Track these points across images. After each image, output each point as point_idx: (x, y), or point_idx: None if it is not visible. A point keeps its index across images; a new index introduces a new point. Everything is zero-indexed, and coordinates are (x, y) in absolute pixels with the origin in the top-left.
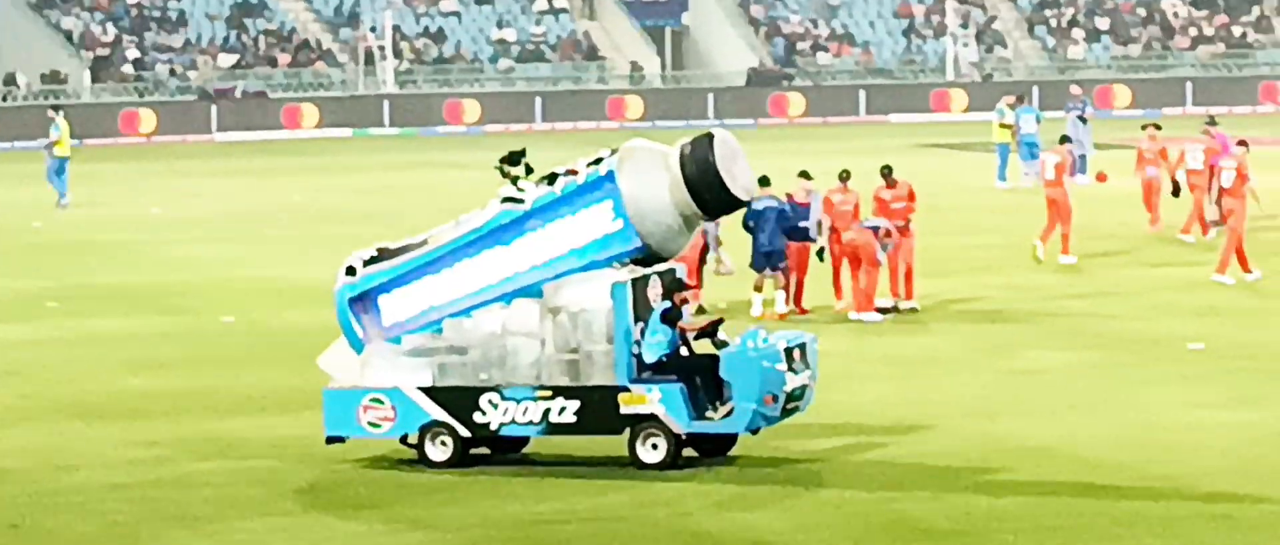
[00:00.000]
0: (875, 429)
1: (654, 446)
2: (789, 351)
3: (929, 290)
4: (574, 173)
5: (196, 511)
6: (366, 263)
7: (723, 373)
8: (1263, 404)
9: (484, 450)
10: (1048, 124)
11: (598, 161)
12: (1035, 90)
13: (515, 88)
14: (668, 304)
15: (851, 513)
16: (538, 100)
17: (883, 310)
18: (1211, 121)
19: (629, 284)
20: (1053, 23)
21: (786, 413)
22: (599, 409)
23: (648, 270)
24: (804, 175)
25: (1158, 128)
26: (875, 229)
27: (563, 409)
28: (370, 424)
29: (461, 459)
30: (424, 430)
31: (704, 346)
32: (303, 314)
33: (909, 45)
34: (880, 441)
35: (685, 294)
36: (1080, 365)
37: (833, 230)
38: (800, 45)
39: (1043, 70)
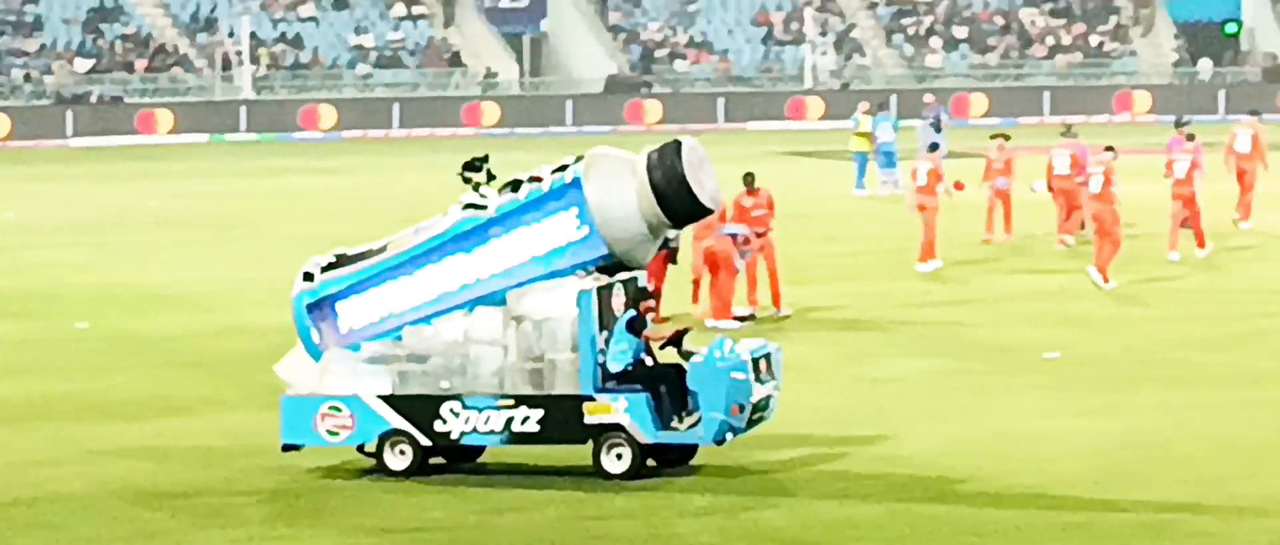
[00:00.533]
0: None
1: (619, 456)
2: (755, 361)
3: (787, 298)
4: (538, 180)
5: (54, 519)
6: (324, 269)
7: (690, 383)
8: (1117, 413)
9: (441, 460)
10: (905, 132)
11: (562, 168)
12: (893, 99)
13: (373, 94)
14: (633, 313)
15: (708, 523)
16: (396, 106)
17: (740, 318)
18: (1067, 130)
19: (594, 292)
20: (911, 31)
21: (752, 423)
22: (563, 418)
23: (612, 278)
24: None
25: (1006, 138)
26: (733, 236)
27: (526, 418)
28: (328, 432)
29: (421, 467)
30: (383, 439)
31: (668, 356)
32: (156, 319)
33: (767, 53)
34: (737, 449)
35: (650, 303)
36: (937, 373)
37: (693, 237)
38: (658, 53)
39: (901, 78)
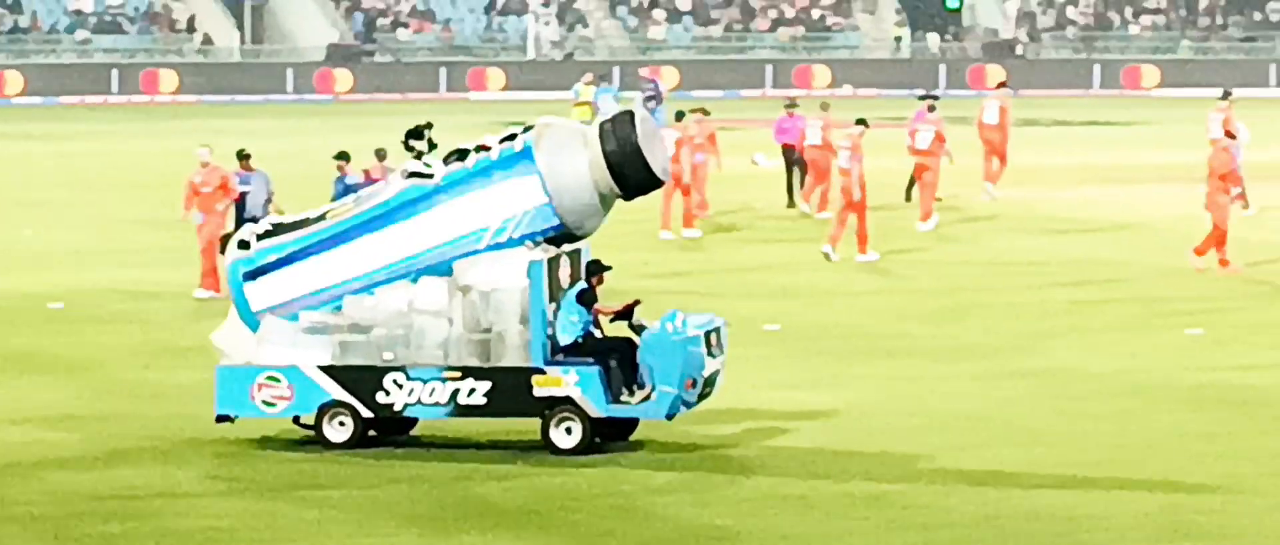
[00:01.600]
0: None
1: (568, 431)
2: (707, 335)
3: None
4: (486, 149)
5: None
6: (260, 237)
7: (643, 356)
8: (836, 385)
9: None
10: (627, 104)
11: (511, 138)
12: (616, 70)
13: (92, 59)
14: (583, 285)
15: (425, 491)
16: (114, 73)
17: None
18: (825, 105)
19: (545, 263)
20: (634, 3)
21: (701, 397)
22: (511, 391)
23: (559, 250)
24: (379, 154)
25: (706, 113)
26: None
27: (473, 391)
28: (264, 403)
29: (360, 440)
30: (323, 410)
31: (616, 329)
32: None
33: (490, 23)
34: (460, 423)
35: (601, 275)
36: None
37: None
38: (381, 21)
39: (624, 50)
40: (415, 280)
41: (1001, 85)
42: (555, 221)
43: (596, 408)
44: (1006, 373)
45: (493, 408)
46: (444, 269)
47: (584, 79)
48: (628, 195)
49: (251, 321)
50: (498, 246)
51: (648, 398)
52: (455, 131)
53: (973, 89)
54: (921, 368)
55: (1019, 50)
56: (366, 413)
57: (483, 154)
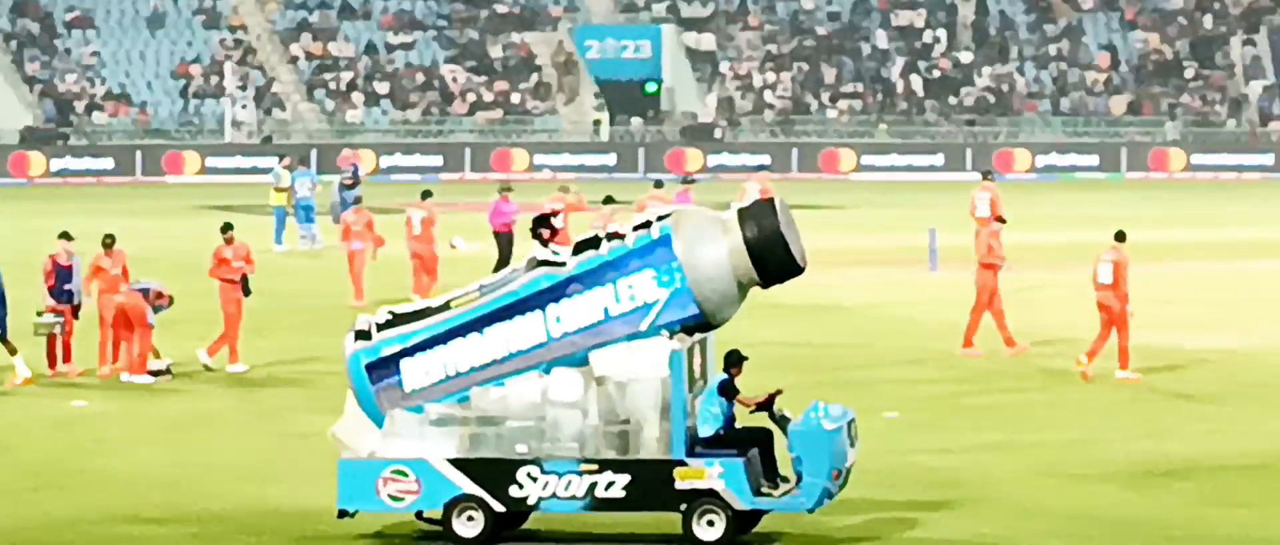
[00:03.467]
0: (142, 488)
1: (710, 524)
2: (848, 426)
3: (196, 354)
4: (620, 236)
5: None
6: (381, 327)
7: (792, 447)
8: None
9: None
10: (325, 187)
11: (646, 225)
12: (314, 153)
13: None
14: (724, 377)
15: None
16: None
17: (155, 373)
18: (564, 188)
19: (685, 353)
20: (332, 86)
21: (840, 488)
22: (652, 484)
23: (692, 339)
24: (64, 236)
25: (358, 200)
26: (145, 291)
27: (611, 484)
28: (391, 497)
29: (492, 535)
30: (452, 504)
31: (756, 420)
32: None
33: (186, 106)
34: (138, 503)
35: (740, 366)
36: None
37: (98, 291)
38: (77, 104)
39: (322, 133)
40: (547, 371)
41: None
42: (694, 310)
43: (741, 500)
44: None
45: (632, 501)
46: (577, 360)
47: (282, 162)
48: (767, 283)
49: (374, 414)
50: (634, 336)
51: (791, 490)
52: (152, 216)
53: (672, 172)
54: None
55: (717, 134)
56: (498, 507)
57: (616, 242)
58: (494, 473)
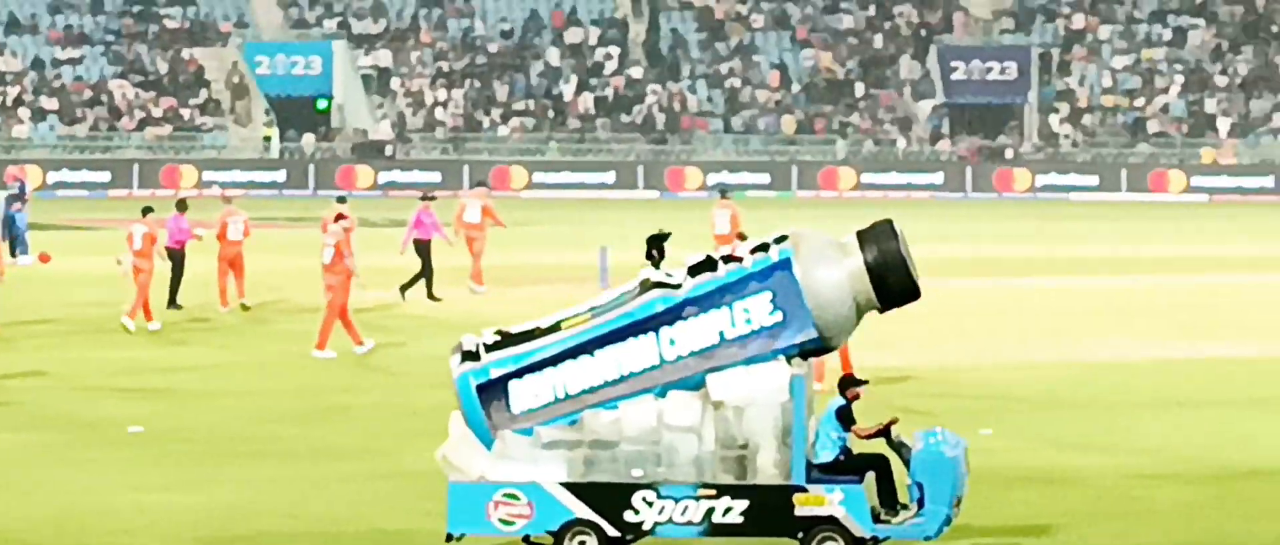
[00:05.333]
0: None
1: None
2: (965, 453)
3: None
4: (737, 259)
5: None
6: (489, 348)
7: (915, 475)
8: (200, 487)
9: None
10: None
11: (763, 247)
12: None
13: None
14: (841, 401)
15: None
16: None
17: None
18: (342, 199)
19: (805, 378)
20: None
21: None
22: (771, 510)
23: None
24: None
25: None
26: None
27: (728, 509)
28: (501, 521)
29: None
30: (564, 529)
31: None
32: None
33: None
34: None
35: (857, 390)
36: (18, 446)
37: None
38: None
39: None
40: (661, 394)
41: (481, 183)
42: (813, 334)
43: (862, 528)
44: (377, 475)
45: (749, 527)
46: (692, 383)
47: None
48: (886, 307)
49: (484, 436)
50: (752, 360)
51: (913, 517)
52: None
53: (342, 188)
54: (287, 469)
55: (389, 151)
56: (613, 532)
57: (734, 265)
58: (609, 497)
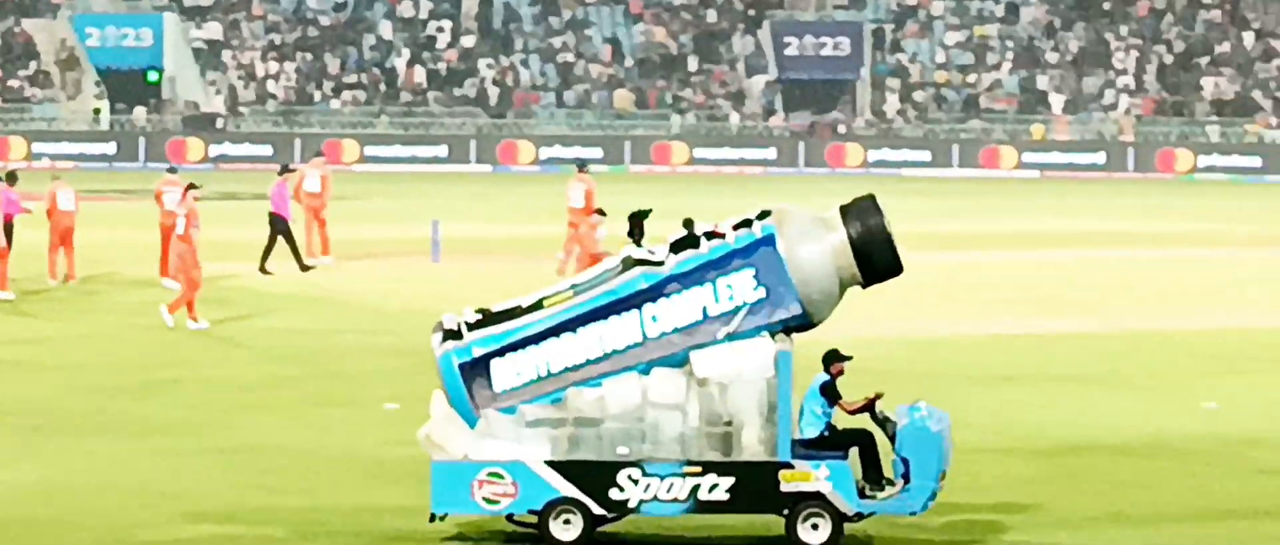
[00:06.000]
0: None
1: (815, 527)
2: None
3: None
4: (719, 235)
5: None
6: (471, 327)
7: (901, 449)
8: (12, 463)
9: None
10: None
11: (746, 223)
12: None
13: None
14: (825, 377)
15: None
16: None
17: None
18: (172, 170)
19: (792, 354)
20: None
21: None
22: (757, 486)
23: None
24: None
25: None
26: None
27: (714, 486)
28: (485, 500)
29: (588, 539)
30: (549, 507)
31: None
32: None
33: None
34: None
35: (841, 365)
36: None
37: None
38: None
39: None
40: (646, 371)
41: (319, 155)
42: (798, 310)
43: (848, 503)
44: (203, 449)
45: (735, 504)
46: (676, 360)
47: None
48: (868, 282)
49: (468, 415)
50: (736, 336)
51: (898, 492)
52: None
53: (173, 161)
54: (117, 444)
55: (220, 124)
56: (598, 510)
57: (717, 241)
58: (594, 475)
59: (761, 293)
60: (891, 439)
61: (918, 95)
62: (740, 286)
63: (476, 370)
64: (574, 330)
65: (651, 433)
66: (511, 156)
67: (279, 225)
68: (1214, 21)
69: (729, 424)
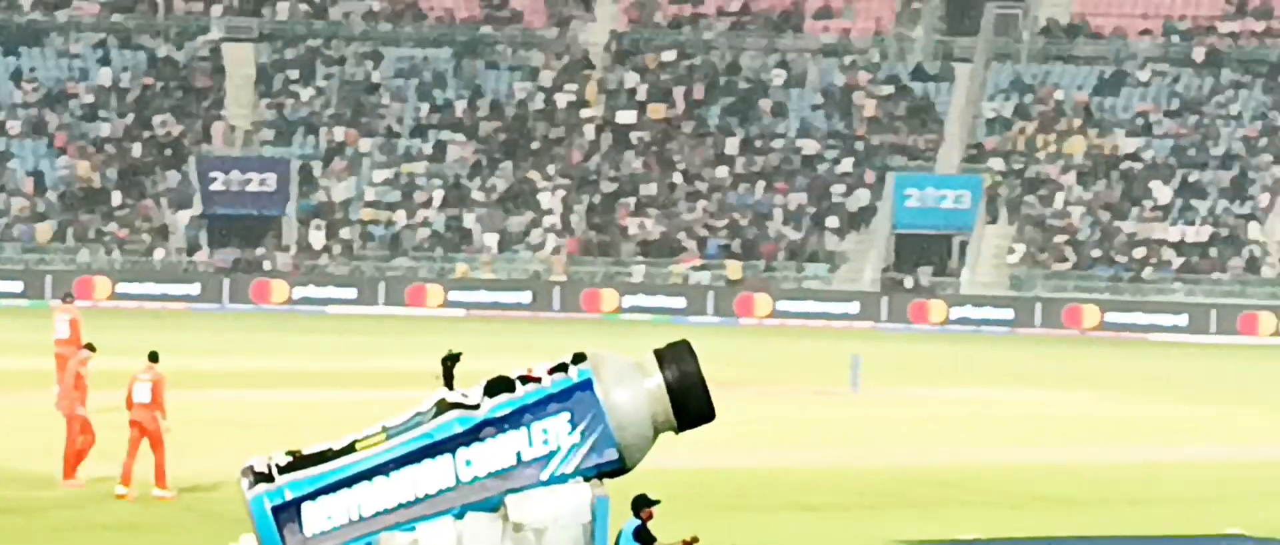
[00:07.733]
0: None
1: None
2: None
3: None
4: (535, 379)
5: None
6: (282, 470)
7: None
8: None
9: None
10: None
11: (562, 367)
12: None
13: None
14: (637, 522)
15: None
16: None
17: None
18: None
19: (609, 500)
20: None
21: None
22: None
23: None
24: None
25: None
26: None
27: None
28: None
29: None
30: None
31: None
32: None
33: None
34: None
35: (651, 509)
36: None
37: None
38: None
39: None
40: (460, 516)
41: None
42: (615, 456)
43: None
44: None
45: None
46: (490, 504)
47: None
48: (682, 427)
49: None
50: (552, 481)
51: None
52: None
53: None
54: None
55: None
56: None
57: (532, 385)
58: None
59: (575, 438)
60: None
61: (344, 232)
62: (556, 431)
63: (288, 513)
64: (387, 474)
65: None
66: None
67: None
68: (640, 164)
69: None
